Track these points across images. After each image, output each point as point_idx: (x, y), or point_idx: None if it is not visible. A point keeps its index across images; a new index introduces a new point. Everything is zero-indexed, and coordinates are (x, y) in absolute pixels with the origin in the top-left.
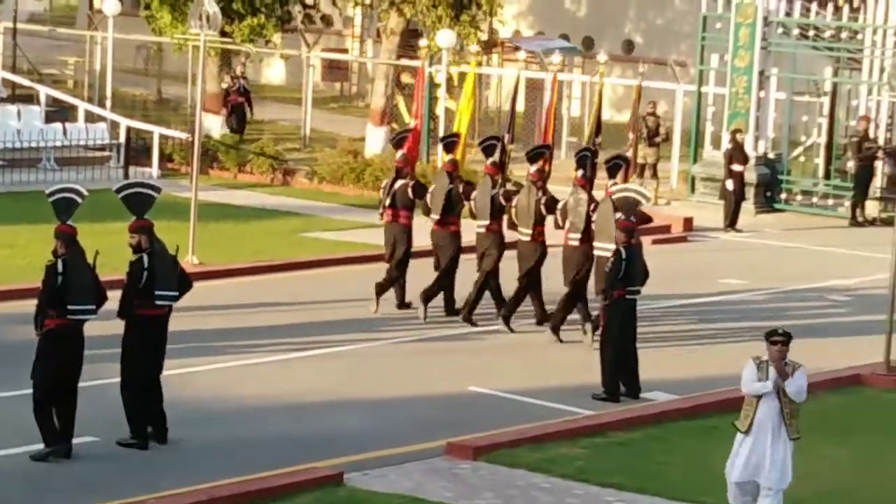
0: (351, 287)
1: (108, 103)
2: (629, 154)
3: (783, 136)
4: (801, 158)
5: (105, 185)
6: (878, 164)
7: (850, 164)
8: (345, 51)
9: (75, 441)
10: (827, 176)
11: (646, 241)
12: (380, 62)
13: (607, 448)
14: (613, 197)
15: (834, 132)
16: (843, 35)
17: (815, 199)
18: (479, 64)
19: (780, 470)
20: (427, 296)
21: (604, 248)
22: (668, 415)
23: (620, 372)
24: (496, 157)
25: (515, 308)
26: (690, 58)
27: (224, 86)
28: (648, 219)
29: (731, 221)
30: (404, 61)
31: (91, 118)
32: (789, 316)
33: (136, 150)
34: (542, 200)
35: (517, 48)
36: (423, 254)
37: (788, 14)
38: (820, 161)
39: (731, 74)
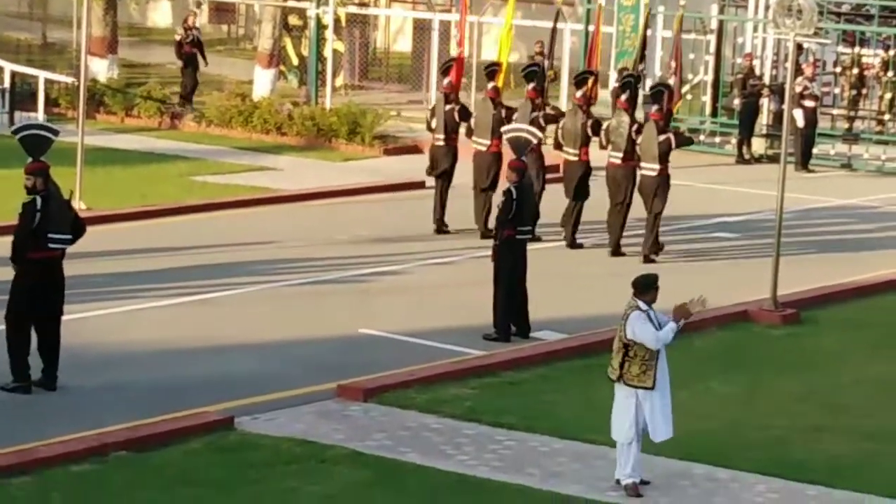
0: (240, 230)
1: None
2: (672, 81)
3: (670, 74)
4: (689, 96)
5: None
6: (764, 102)
7: (737, 102)
8: None
9: None
10: (714, 114)
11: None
12: (267, 4)
13: (497, 388)
14: (505, 137)
15: (720, 70)
16: None
17: (702, 137)
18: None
19: None
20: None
21: (649, 167)
22: (557, 354)
23: (512, 312)
24: (537, 82)
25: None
26: None
27: (177, 37)
28: (689, 140)
29: None
30: (291, 3)
31: None
32: (678, 253)
33: (22, 95)
34: (588, 123)
35: None
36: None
37: None
38: (707, 99)
39: (618, 13)
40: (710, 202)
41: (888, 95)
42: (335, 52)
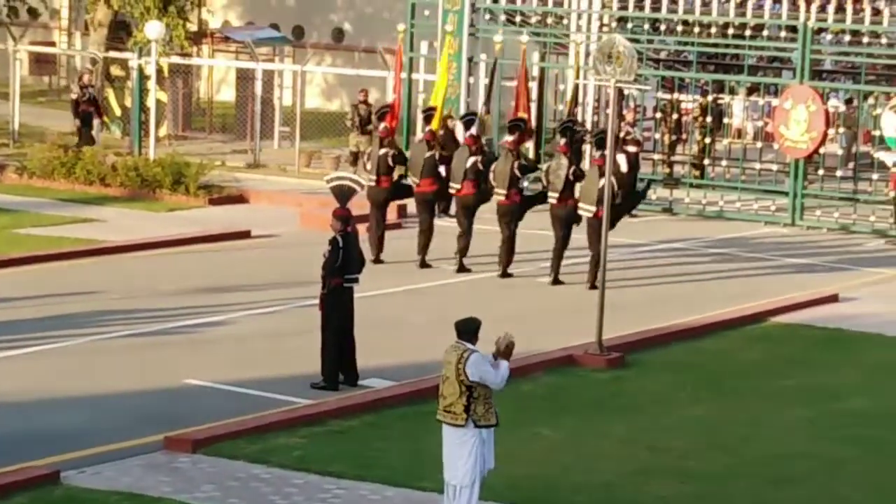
0: (64, 283)
1: None
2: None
3: (493, 121)
4: None
5: None
6: (587, 147)
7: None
8: (52, 44)
9: None
10: (537, 160)
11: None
12: (88, 54)
13: (326, 436)
14: (328, 186)
15: (543, 116)
16: (550, 20)
17: (526, 183)
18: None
19: None
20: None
21: (586, 209)
22: (385, 401)
23: (339, 360)
24: (474, 129)
25: (511, 257)
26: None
27: (73, 96)
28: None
29: (445, 207)
30: (113, 53)
31: None
32: (503, 298)
33: None
34: (516, 165)
35: (227, 38)
36: None
37: (496, 0)
38: (530, 145)
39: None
40: (535, 246)
41: (707, 140)
42: (158, 102)
